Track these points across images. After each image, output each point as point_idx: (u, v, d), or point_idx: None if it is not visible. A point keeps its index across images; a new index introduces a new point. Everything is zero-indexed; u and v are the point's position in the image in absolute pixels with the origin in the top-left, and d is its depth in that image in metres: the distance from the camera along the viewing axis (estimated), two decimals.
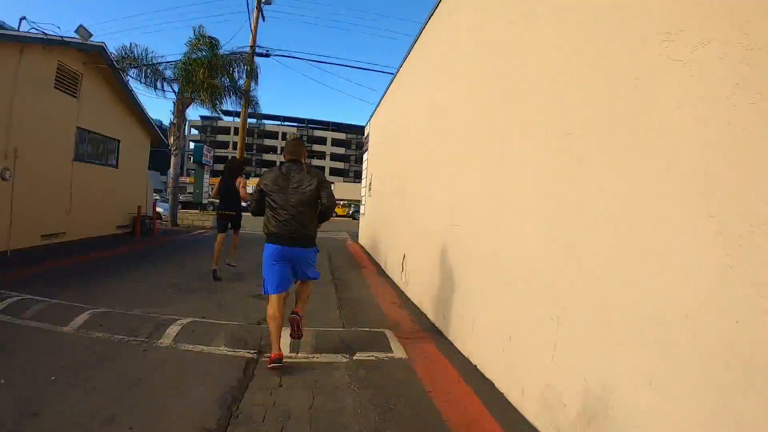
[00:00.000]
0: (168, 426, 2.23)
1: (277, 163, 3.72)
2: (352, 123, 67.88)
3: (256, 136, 65.32)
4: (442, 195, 4.41)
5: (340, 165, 68.53)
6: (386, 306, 5.10)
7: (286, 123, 69.46)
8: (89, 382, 2.64)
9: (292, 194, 3.12)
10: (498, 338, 2.86)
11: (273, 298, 3.12)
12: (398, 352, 3.47)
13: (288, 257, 3.13)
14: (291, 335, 3.25)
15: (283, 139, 64.20)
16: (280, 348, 3.03)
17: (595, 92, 2.08)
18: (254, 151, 65.47)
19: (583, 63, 2.18)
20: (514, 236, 2.77)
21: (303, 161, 3.36)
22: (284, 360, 3.01)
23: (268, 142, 66.94)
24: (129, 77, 11.58)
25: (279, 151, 64.65)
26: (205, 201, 19.68)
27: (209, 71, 12.34)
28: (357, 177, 68.61)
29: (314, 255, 3.31)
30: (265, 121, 66.98)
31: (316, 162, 66.70)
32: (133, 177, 11.68)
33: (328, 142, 68.06)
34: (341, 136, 68.79)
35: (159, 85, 12.82)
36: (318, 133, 68.57)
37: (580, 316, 2.04)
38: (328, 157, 67.74)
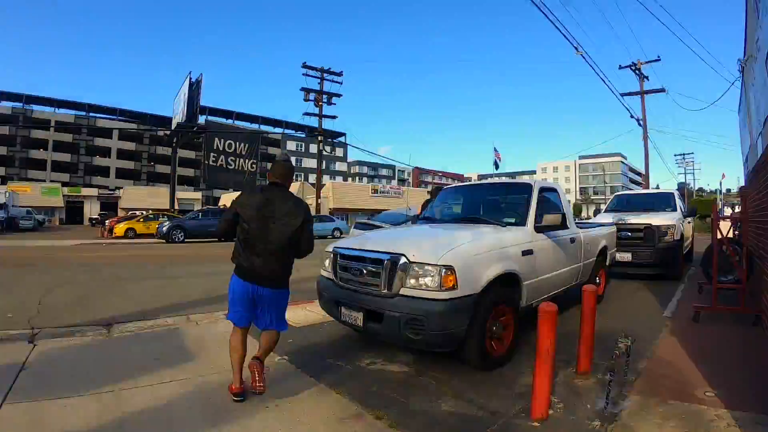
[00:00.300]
0: None
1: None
2: (148, 111, 61.35)
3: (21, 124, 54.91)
4: None
5: (129, 164, 63.41)
6: None
7: (61, 110, 59.85)
8: None
9: (274, 227, 2.76)
10: None
11: (235, 329, 2.90)
12: None
13: (256, 297, 2.82)
14: (252, 385, 2.84)
15: (57, 131, 56.64)
16: (241, 381, 2.84)
17: None
18: (18, 147, 56.98)
19: None
20: None
21: (288, 188, 2.97)
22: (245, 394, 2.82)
23: (36, 134, 57.31)
24: None
25: (52, 147, 55.89)
26: None
27: None
28: (152, 179, 62.61)
29: (286, 298, 2.99)
30: (36, 106, 56.61)
31: (99, 161, 60.98)
32: None
33: (115, 135, 60.82)
34: (132, 126, 61.65)
35: None
36: (102, 122, 60.45)
37: None
38: (113, 154, 61.99)
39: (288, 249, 2.87)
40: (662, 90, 20.65)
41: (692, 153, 68.40)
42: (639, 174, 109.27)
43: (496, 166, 30.02)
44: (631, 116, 20.80)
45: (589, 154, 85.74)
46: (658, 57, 20.19)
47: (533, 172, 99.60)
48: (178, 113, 32.91)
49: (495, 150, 31.99)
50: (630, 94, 20.89)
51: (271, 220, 2.79)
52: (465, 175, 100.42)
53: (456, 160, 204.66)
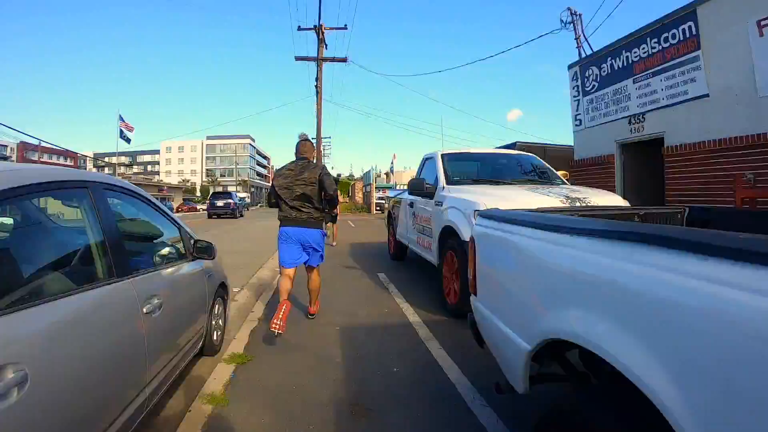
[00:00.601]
0: None
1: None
2: None
3: None
4: None
5: None
6: None
7: None
8: None
9: (299, 186, 3.67)
10: None
11: (283, 271, 3.77)
12: None
13: (295, 237, 3.70)
14: (271, 324, 3.34)
15: None
16: (278, 320, 3.32)
17: None
18: None
19: None
20: None
21: (310, 159, 3.90)
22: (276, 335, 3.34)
23: None
24: None
25: None
26: None
27: None
28: None
29: (321, 237, 3.81)
30: None
31: None
32: None
33: None
34: None
35: None
36: None
37: None
38: None
39: (314, 198, 3.74)
40: (344, 60, 18.32)
41: (329, 137, 51.45)
42: (266, 158, 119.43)
43: (127, 140, 29.04)
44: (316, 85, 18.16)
45: (216, 135, 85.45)
46: (345, 25, 21.14)
47: (157, 152, 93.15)
48: None
49: (121, 119, 30.27)
50: (305, 59, 18.36)
51: (295, 182, 3.71)
52: (81, 153, 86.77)
53: (74, 132, 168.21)
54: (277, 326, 3.32)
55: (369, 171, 39.40)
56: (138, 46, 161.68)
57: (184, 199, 59.61)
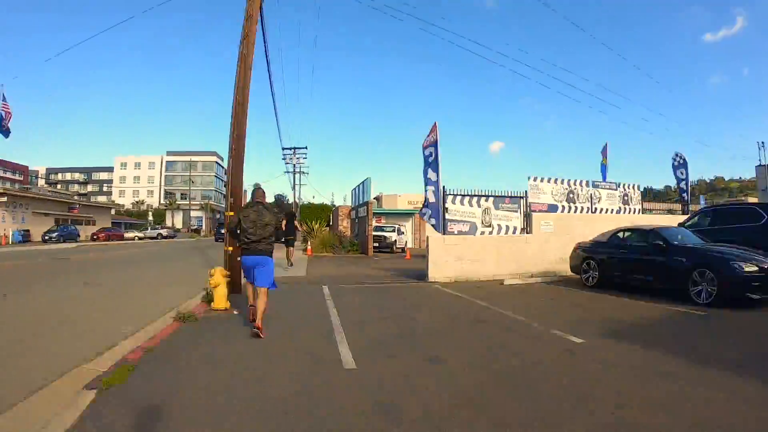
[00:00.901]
0: None
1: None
2: None
3: None
4: None
5: None
6: None
7: None
8: None
9: (260, 224, 5.13)
10: None
11: (247, 285, 5.62)
12: None
13: (252, 262, 5.14)
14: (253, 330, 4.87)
15: None
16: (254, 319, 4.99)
17: None
18: None
19: None
20: None
21: (263, 202, 5.47)
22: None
23: None
24: None
25: None
26: None
27: None
28: None
29: (271, 264, 5.27)
30: None
31: None
32: None
33: None
34: None
35: None
36: None
37: None
38: None
39: (268, 233, 5.23)
40: None
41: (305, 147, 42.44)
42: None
43: (5, 132, 23.68)
44: None
45: (178, 150, 76.72)
46: None
47: (110, 169, 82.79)
48: None
49: (3, 98, 24.97)
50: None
51: (259, 223, 5.16)
52: (31, 168, 73.34)
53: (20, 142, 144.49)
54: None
55: (361, 186, 25.08)
56: (96, 51, 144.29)
57: (116, 223, 48.13)
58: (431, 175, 11.63)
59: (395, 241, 25.43)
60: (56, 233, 31.13)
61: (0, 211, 28.52)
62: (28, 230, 31.29)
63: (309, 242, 23.08)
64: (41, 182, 72.67)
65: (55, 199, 39.28)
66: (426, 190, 11.83)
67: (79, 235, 34.65)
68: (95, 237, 36.34)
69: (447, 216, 11.49)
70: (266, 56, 10.45)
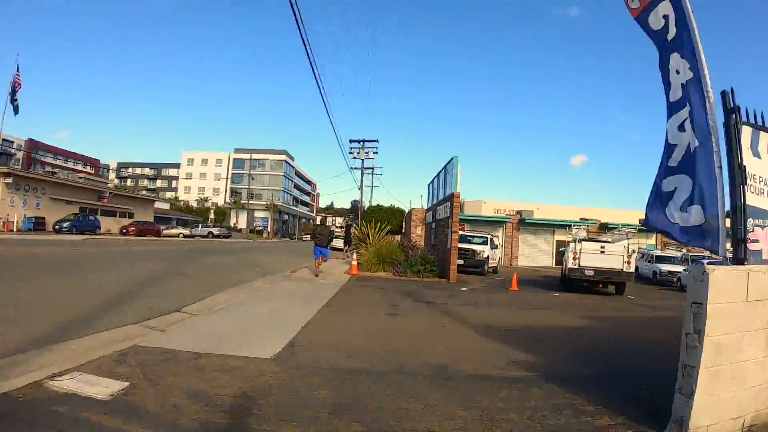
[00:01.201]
0: None
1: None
2: None
3: None
4: None
5: None
6: None
7: None
8: None
9: (321, 232, 13.81)
10: None
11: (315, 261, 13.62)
12: None
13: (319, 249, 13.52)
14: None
15: None
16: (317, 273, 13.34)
17: None
18: None
19: None
20: None
21: (326, 225, 17.52)
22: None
23: None
24: None
25: None
26: None
27: None
28: None
29: (327, 250, 13.73)
30: None
31: None
32: None
33: None
34: None
35: None
36: None
37: None
38: None
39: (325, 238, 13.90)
40: None
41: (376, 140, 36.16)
42: (310, 182, 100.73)
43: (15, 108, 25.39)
44: None
45: (246, 148, 72.75)
46: None
47: (177, 166, 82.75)
48: None
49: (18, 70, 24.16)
50: None
51: (320, 230, 14.15)
52: (102, 162, 76.70)
53: (86, 136, 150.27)
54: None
55: (442, 174, 17.22)
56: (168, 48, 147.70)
57: (164, 218, 45.01)
58: (682, 70, 3.76)
59: (488, 257, 17.42)
60: (68, 223, 27.43)
61: (9, 193, 25.37)
62: (43, 218, 27.94)
63: (355, 255, 15.83)
64: (112, 176, 74.57)
65: (79, 185, 35.42)
66: (668, 130, 3.97)
67: (99, 227, 30.79)
68: (125, 231, 32.79)
69: (748, 199, 3.50)
70: None
